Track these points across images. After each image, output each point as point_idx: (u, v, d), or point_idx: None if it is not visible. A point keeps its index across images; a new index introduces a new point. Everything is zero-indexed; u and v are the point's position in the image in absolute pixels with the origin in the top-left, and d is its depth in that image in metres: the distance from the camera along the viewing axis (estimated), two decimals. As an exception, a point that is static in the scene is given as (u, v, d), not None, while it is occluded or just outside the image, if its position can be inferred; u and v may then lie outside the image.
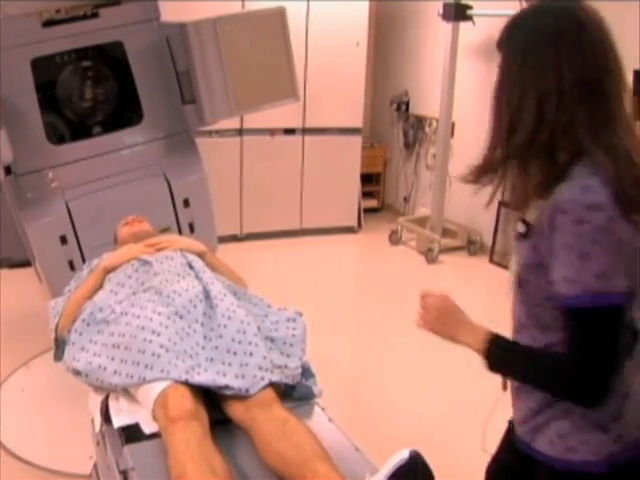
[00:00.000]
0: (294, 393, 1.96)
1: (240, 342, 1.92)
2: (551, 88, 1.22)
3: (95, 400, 1.98)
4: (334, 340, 3.93)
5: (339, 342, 4.08)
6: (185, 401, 1.73)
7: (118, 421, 1.84)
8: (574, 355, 1.23)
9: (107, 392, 1.95)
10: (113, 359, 1.90)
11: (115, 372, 1.88)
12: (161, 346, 1.86)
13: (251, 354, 1.89)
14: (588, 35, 1.22)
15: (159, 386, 1.78)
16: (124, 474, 1.70)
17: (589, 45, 1.22)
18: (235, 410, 1.80)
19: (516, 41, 1.27)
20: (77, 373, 1.97)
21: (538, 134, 1.23)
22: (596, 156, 1.20)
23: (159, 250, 2.39)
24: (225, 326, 1.97)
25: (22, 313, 4.30)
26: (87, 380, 1.96)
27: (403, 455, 1.48)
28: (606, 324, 1.20)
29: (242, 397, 1.80)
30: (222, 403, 1.84)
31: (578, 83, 1.21)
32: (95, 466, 2.36)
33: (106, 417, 1.91)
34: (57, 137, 3.51)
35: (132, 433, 1.78)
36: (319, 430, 1.72)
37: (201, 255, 2.44)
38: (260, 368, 1.85)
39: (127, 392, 1.91)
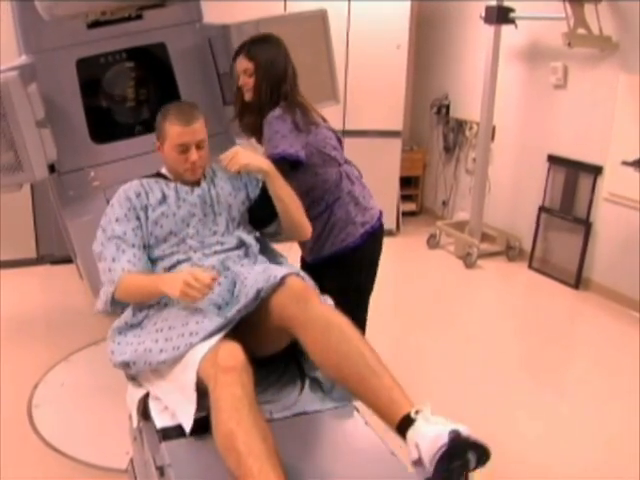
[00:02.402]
0: (332, 394, 1.95)
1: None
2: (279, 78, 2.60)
3: (133, 396, 1.98)
4: (371, 342, 3.91)
5: (376, 345, 4.05)
6: (236, 353, 1.72)
7: (161, 421, 1.82)
8: None
9: (146, 390, 1.96)
10: (157, 341, 1.90)
11: (161, 350, 1.87)
12: (204, 316, 1.88)
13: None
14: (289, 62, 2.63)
15: (207, 345, 1.77)
16: (161, 470, 1.71)
17: (288, 64, 2.63)
18: (274, 315, 1.87)
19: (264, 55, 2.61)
20: (125, 365, 1.97)
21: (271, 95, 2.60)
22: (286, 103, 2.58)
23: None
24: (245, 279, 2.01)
25: (63, 308, 4.38)
26: (136, 368, 1.95)
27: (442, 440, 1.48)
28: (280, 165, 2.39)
29: (277, 301, 1.86)
30: (265, 318, 1.90)
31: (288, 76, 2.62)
32: (131, 461, 2.38)
33: (144, 414, 1.92)
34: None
35: (169, 430, 1.78)
36: (355, 433, 1.71)
37: (265, 174, 2.31)
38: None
39: (166, 388, 1.90)
